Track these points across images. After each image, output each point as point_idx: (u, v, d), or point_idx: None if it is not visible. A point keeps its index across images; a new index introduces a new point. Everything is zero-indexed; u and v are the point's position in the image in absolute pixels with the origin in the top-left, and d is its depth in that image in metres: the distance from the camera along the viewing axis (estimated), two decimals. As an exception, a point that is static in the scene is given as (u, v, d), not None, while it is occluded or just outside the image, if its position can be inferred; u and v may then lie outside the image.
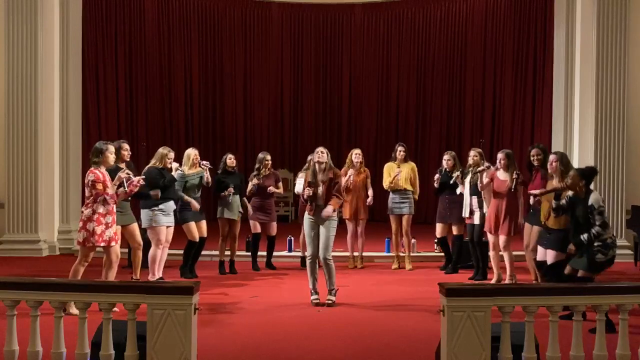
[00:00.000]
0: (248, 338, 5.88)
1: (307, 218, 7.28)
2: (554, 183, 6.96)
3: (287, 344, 5.72)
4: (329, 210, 7.12)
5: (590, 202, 6.15)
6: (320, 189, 7.17)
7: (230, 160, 9.03)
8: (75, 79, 11.63)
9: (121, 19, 13.73)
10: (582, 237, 6.15)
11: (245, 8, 15.00)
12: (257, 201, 9.26)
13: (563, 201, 6.40)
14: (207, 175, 8.62)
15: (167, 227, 8.04)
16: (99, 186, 6.60)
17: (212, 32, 14.88)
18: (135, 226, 7.67)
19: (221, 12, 14.93)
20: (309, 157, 9.33)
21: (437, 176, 9.07)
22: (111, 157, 6.85)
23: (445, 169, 9.08)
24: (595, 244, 6.11)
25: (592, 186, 6.36)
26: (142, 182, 7.06)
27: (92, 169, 6.70)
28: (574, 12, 11.42)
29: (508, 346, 4.37)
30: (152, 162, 8.03)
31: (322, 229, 7.18)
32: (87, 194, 6.72)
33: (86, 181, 6.68)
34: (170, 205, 8.02)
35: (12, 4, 10.56)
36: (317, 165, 7.25)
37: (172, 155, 8.13)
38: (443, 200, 9.13)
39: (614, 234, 6.42)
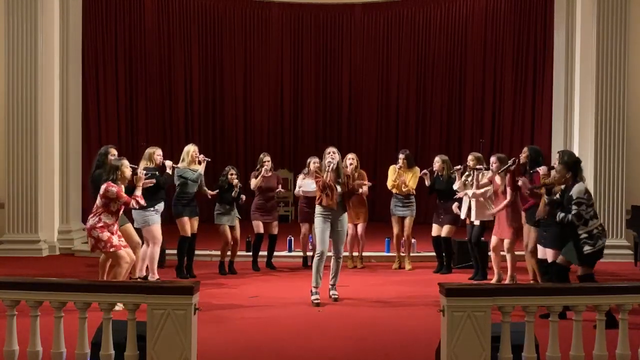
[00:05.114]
0: (248, 338, 5.88)
1: (319, 212, 7.27)
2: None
3: (287, 343, 5.72)
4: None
5: (571, 192, 6.19)
6: (340, 188, 7.24)
7: (232, 176, 8.88)
8: (75, 79, 11.62)
9: (121, 19, 13.73)
10: (558, 214, 6.21)
11: (245, 8, 14.99)
12: (260, 201, 9.27)
13: (557, 195, 6.46)
14: (201, 169, 8.56)
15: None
16: (124, 198, 6.63)
17: (212, 32, 14.87)
18: (129, 226, 7.61)
19: (221, 12, 14.92)
20: (309, 160, 9.32)
21: (424, 172, 9.09)
22: (127, 172, 6.82)
23: (437, 172, 9.11)
24: (582, 235, 6.13)
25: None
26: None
27: (109, 182, 6.66)
28: (574, 12, 11.42)
29: (508, 346, 4.37)
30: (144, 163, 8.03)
31: (338, 224, 7.24)
32: (98, 203, 6.70)
33: (102, 192, 6.62)
34: (162, 206, 8.06)
35: (12, 4, 10.56)
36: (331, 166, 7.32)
37: (159, 152, 8.14)
38: (437, 204, 9.18)
39: (602, 224, 6.41)
